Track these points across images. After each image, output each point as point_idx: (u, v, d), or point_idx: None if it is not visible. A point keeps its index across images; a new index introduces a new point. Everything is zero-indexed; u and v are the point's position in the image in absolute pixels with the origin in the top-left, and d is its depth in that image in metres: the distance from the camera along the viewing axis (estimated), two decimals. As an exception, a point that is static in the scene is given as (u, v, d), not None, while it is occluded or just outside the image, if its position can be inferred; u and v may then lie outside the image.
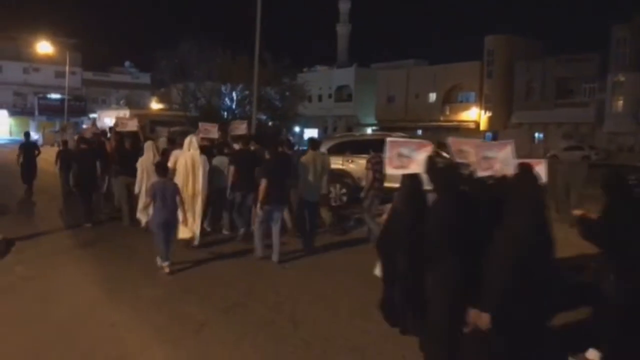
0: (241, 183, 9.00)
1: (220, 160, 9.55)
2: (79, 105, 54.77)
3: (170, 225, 7.39)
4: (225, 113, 25.71)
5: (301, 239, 8.89)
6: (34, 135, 24.46)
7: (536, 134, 46.57)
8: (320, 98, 62.56)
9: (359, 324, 5.66)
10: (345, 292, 6.64)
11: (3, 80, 60.36)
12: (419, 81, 53.60)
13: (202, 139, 10.21)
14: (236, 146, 10.06)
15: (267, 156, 8.58)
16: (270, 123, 25.60)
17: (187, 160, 8.67)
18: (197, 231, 8.71)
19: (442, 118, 51.98)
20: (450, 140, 5.74)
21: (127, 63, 71.34)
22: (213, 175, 9.15)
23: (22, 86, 61.31)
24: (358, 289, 6.67)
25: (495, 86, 47.47)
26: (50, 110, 52.48)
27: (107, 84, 66.75)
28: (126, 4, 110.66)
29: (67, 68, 44.85)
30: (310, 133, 54.09)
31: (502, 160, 4.96)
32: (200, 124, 11.52)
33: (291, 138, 20.81)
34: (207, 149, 9.70)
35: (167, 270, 7.30)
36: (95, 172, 10.80)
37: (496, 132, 48.54)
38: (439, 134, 50.82)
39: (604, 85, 40.97)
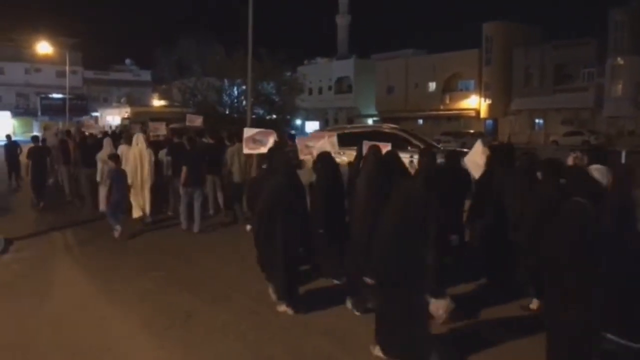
0: (174, 172, 10.63)
1: (164, 154, 11.30)
2: (81, 104, 55.03)
3: (121, 203, 9.41)
4: (226, 109, 25.91)
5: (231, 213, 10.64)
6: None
7: (536, 120, 46.58)
8: (320, 90, 62.64)
9: (335, 309, 5.90)
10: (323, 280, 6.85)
11: (5, 82, 60.70)
12: (418, 71, 53.62)
13: (153, 135, 12.49)
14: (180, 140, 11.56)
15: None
16: (268, 117, 25.78)
17: (136, 154, 10.32)
18: (147, 210, 10.43)
19: (442, 107, 52.02)
20: (297, 139, 7.67)
21: (127, 61, 71.48)
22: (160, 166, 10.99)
23: (24, 87, 61.67)
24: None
25: (494, 73, 47.44)
26: (52, 110, 52.72)
27: (108, 82, 66.98)
28: (125, 2, 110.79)
29: (67, 67, 45.05)
30: (312, 125, 54.25)
31: (319, 148, 7.20)
32: (150, 124, 13.69)
33: (293, 132, 20.98)
34: (157, 144, 11.74)
35: (117, 234, 9.22)
36: (45, 166, 13.03)
37: (496, 119, 48.57)
38: (440, 123, 50.96)
39: (602, 70, 40.87)
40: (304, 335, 5.28)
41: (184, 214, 9.94)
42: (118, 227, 9.28)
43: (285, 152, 6.93)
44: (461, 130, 44.62)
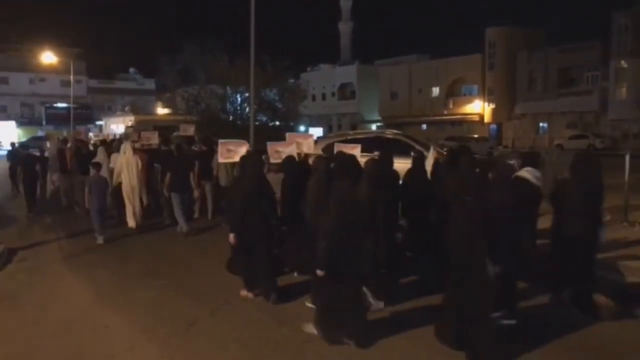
0: (162, 179, 11.00)
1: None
2: (86, 113, 55.28)
3: (102, 208, 9.81)
4: (230, 116, 25.94)
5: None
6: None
7: (540, 124, 46.47)
8: (324, 97, 62.71)
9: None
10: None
11: (10, 92, 61.22)
12: (422, 76, 53.67)
13: (145, 144, 12.79)
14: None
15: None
16: (271, 124, 25.78)
17: (122, 162, 10.89)
18: (138, 216, 10.85)
19: (445, 112, 52.01)
20: (268, 145, 8.34)
21: (131, 70, 71.86)
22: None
23: (29, 96, 62.16)
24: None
25: (498, 78, 47.43)
26: (57, 119, 52.92)
27: (113, 91, 67.42)
28: (128, 12, 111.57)
29: (72, 77, 45.33)
30: (315, 132, 54.26)
31: (288, 152, 7.88)
32: (142, 133, 13.92)
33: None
34: (151, 152, 12.19)
35: (101, 241, 9.62)
36: (36, 173, 13.72)
37: (500, 123, 48.51)
38: (444, 128, 50.91)
39: (606, 73, 40.79)
40: (307, 344, 5.27)
41: (180, 217, 10.38)
42: (101, 237, 9.72)
43: (255, 160, 7.30)
44: (465, 135, 44.57)
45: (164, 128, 25.43)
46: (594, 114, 42.52)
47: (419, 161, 7.75)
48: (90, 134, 32.36)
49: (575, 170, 6.03)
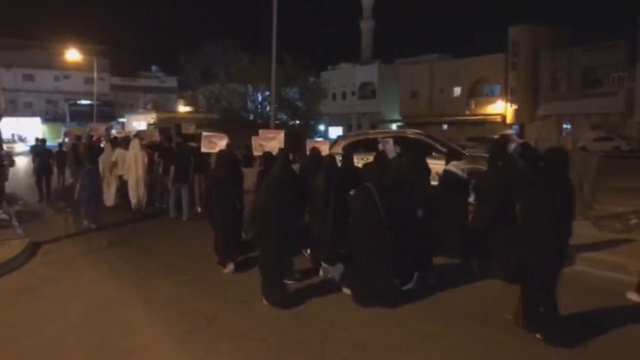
0: (164, 171, 12.37)
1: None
2: (108, 110, 55.91)
3: (95, 198, 10.94)
4: (250, 115, 26.08)
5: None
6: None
7: (564, 126, 45.77)
8: (344, 96, 62.61)
9: (361, 317, 5.87)
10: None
11: (36, 89, 62.33)
12: (443, 75, 53.20)
13: (148, 140, 14.41)
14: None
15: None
16: (291, 122, 25.88)
17: (131, 156, 12.39)
18: (143, 204, 12.41)
19: (467, 112, 51.48)
20: (253, 139, 9.04)
21: (154, 68, 72.60)
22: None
23: (53, 93, 63.23)
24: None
25: (521, 78, 46.82)
26: (81, 116, 53.57)
27: (135, 89, 68.22)
28: (151, 10, 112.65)
29: (95, 74, 45.93)
30: (335, 131, 54.21)
31: (272, 146, 8.56)
32: (145, 130, 15.81)
33: (317, 137, 21.06)
34: (154, 147, 13.65)
35: (93, 227, 10.68)
36: (48, 166, 14.97)
37: (522, 124, 47.90)
38: (465, 129, 50.42)
39: (633, 74, 39.99)
40: (327, 342, 5.25)
41: (172, 206, 11.92)
42: (93, 225, 10.82)
43: (227, 153, 8.58)
44: (486, 135, 44.06)
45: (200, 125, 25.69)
46: (619, 116, 41.73)
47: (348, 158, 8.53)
48: (113, 131, 32.82)
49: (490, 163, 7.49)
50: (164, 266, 8.12)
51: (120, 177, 13.08)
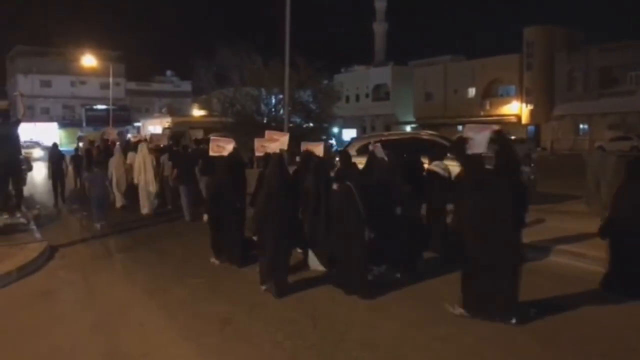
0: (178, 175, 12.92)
1: (165, 158, 13.77)
2: (124, 115, 56.52)
3: (101, 199, 11.39)
4: (264, 118, 26.13)
5: None
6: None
7: (580, 126, 45.25)
8: (357, 98, 62.53)
9: (375, 319, 5.85)
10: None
11: (53, 94, 63.25)
12: (457, 77, 52.92)
13: (155, 144, 14.96)
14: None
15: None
16: (305, 125, 25.86)
17: (140, 160, 13.09)
18: (153, 206, 13.24)
19: (482, 113, 51.07)
20: (255, 140, 9.20)
21: (168, 72, 73.20)
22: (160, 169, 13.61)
23: (70, 99, 64.10)
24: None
25: (536, 78, 46.40)
26: (97, 121, 54.19)
27: (150, 93, 68.96)
28: (166, 16, 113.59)
29: (111, 79, 46.44)
30: (349, 133, 54.19)
31: (274, 148, 8.70)
32: (151, 134, 16.60)
33: (332, 141, 21.10)
34: (162, 151, 14.37)
35: (99, 227, 11.14)
36: (61, 170, 15.26)
37: (538, 125, 47.46)
38: (480, 130, 50.06)
39: (651, 73, 39.41)
40: (342, 344, 5.23)
41: (185, 207, 12.38)
42: (99, 224, 11.29)
43: (231, 155, 9.03)
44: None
45: (207, 129, 25.83)
46: (637, 115, 41.12)
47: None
48: (129, 135, 33.11)
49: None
50: (178, 269, 8.16)
51: (131, 181, 13.59)
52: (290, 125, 20.50)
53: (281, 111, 24.69)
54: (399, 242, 7.35)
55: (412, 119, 57.39)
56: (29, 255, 8.48)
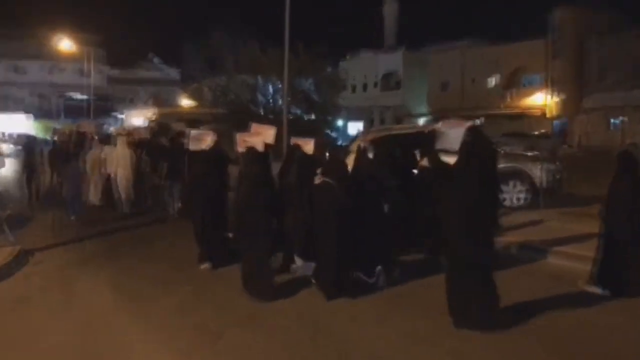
0: (153, 169, 13.86)
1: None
2: (105, 105, 56.78)
3: (75, 194, 12.52)
4: (260, 109, 26.24)
5: None
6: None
7: (612, 120, 45.23)
8: (365, 87, 62.59)
9: (380, 331, 5.96)
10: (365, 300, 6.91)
11: (27, 82, 63.25)
12: (476, 64, 52.90)
13: (137, 138, 15.52)
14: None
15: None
16: (306, 117, 25.99)
17: (117, 155, 13.62)
18: (129, 203, 13.71)
19: (503, 105, 51.11)
20: (237, 134, 9.26)
21: (155, 58, 73.36)
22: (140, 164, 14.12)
23: (45, 87, 64.15)
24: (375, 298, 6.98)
25: (564, 67, 46.37)
26: (75, 112, 54.49)
27: (134, 82, 68.96)
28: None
29: (92, 65, 46.59)
30: (355, 126, 54.20)
31: (256, 142, 8.75)
32: (132, 127, 16.85)
33: (334, 134, 21.18)
34: (139, 144, 14.82)
35: (73, 218, 12.22)
36: (34, 165, 15.70)
37: (566, 118, 47.44)
38: (501, 123, 49.95)
39: (691, 61, 39.35)
40: (342, 356, 5.32)
41: (169, 203, 13.09)
42: (74, 217, 12.32)
43: (212, 149, 9.37)
44: (525, 131, 43.74)
45: (188, 122, 25.96)
46: (676, 108, 41.11)
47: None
48: (111, 128, 33.25)
49: None
50: (164, 275, 8.26)
51: (108, 176, 14.02)
52: (290, 117, 20.61)
53: (280, 101, 24.82)
54: (382, 245, 7.65)
55: (425, 110, 57.43)
56: (1, 260, 8.57)
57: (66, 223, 12.16)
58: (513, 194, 12.56)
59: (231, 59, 28.17)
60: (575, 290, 7.11)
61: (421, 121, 52.72)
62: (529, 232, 10.08)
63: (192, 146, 9.97)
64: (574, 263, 8.24)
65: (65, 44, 43.49)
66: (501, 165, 12.60)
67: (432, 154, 6.53)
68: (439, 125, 6.65)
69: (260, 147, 8.93)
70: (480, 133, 6.35)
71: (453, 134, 6.30)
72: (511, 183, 12.56)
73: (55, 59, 59.80)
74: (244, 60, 26.96)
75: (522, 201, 12.51)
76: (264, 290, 7.01)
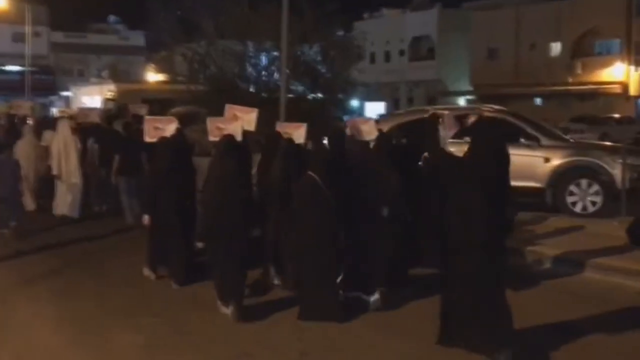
0: (102, 162, 14.36)
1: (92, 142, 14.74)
2: (46, 80, 56.61)
3: (10, 195, 12.11)
4: (250, 85, 26.19)
5: None
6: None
7: None
8: (388, 56, 62.63)
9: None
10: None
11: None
12: (535, 26, 52.67)
13: (83, 122, 15.98)
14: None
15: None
16: (311, 96, 25.93)
17: (59, 144, 13.66)
18: (76, 208, 13.89)
19: (570, 79, 50.97)
20: (208, 120, 9.87)
21: (111, 18, 73.55)
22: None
23: (-32, 56, 64.15)
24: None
25: (651, 29, 46.30)
26: (7, 88, 54.10)
27: (85, 48, 68.96)
28: None
29: (28, 28, 46.59)
30: (375, 108, 54.12)
31: (232, 129, 9.21)
32: (79, 109, 18.16)
33: (347, 118, 21.18)
34: (86, 131, 15.17)
35: (7, 232, 11.97)
36: None
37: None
38: (568, 104, 49.90)
39: None
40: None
41: (127, 207, 13.36)
42: (10, 225, 12.09)
43: (174, 139, 9.82)
44: (600, 114, 43.55)
45: (157, 102, 26.00)
46: None
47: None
48: (54, 110, 33.35)
49: None
50: (125, 302, 8.29)
51: (48, 171, 14.16)
52: (290, 95, 20.59)
53: (275, 75, 24.78)
54: (381, 257, 7.98)
55: (467, 87, 57.32)
56: None
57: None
58: (586, 196, 12.54)
59: (211, 19, 28.13)
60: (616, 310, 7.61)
61: (462, 101, 52.65)
62: (568, 241, 10.58)
63: (150, 137, 10.21)
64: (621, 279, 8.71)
65: (-7, -1, 43.43)
66: (570, 159, 12.62)
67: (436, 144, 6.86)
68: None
69: (237, 136, 9.21)
70: (485, 126, 6.94)
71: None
72: (583, 183, 12.55)
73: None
74: (228, 21, 26.90)
75: (597, 206, 12.47)
76: (239, 309, 7.40)
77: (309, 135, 9.84)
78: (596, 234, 10.91)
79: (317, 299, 7.43)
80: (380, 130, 9.25)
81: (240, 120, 10.00)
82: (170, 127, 10.02)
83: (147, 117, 11.92)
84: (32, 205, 14.18)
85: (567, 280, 9.09)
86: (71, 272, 9.91)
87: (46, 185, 14.34)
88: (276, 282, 8.76)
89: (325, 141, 9.01)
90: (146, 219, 9.29)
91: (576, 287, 8.79)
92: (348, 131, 9.29)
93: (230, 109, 10.43)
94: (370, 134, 9.26)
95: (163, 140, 9.73)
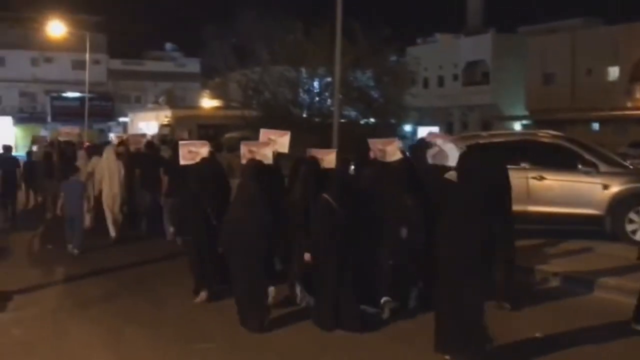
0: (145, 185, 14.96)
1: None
2: (105, 106, 57.77)
3: (75, 215, 12.70)
4: (304, 111, 26.34)
5: None
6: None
7: None
8: (441, 81, 62.33)
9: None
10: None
11: (7, 77, 64.32)
12: (591, 50, 52.03)
13: (134, 148, 16.27)
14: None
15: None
16: (363, 121, 25.95)
17: (104, 168, 14.39)
18: (115, 228, 14.31)
19: (629, 104, 50.13)
20: (242, 144, 10.07)
21: (168, 46, 74.71)
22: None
23: (29, 83, 65.32)
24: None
25: None
26: (67, 114, 54.84)
27: (142, 75, 70.00)
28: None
29: (87, 55, 47.54)
30: (428, 132, 53.83)
31: (263, 154, 9.59)
32: (130, 136, 18.11)
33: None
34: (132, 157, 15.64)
35: (75, 252, 12.55)
36: (15, 182, 16.72)
37: None
38: (626, 129, 48.99)
39: None
40: None
41: (167, 225, 13.86)
42: (70, 247, 12.69)
43: (205, 162, 10.12)
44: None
45: (211, 127, 26.34)
46: None
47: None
48: (112, 136, 34.00)
49: None
50: (181, 327, 8.26)
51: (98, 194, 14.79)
52: (343, 120, 20.62)
53: (328, 101, 24.88)
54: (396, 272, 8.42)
55: (523, 112, 56.74)
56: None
57: (51, 254, 12.58)
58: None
59: (265, 46, 28.43)
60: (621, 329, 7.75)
61: (517, 125, 52.08)
62: (576, 260, 10.98)
63: (184, 160, 10.47)
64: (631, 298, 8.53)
65: (55, 28, 44.27)
66: (629, 185, 12.37)
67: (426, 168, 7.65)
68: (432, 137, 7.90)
69: (268, 159, 9.64)
70: (479, 149, 7.67)
71: (447, 149, 7.60)
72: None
73: (43, 48, 60.94)
74: (282, 48, 27.14)
75: (657, 234, 12.16)
76: (253, 320, 7.89)
77: (346, 162, 10.23)
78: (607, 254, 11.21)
79: (333, 310, 7.85)
80: (403, 152, 9.41)
81: (273, 144, 10.23)
82: (203, 151, 10.30)
83: (181, 141, 12.27)
84: (89, 223, 14.49)
85: (575, 299, 9.33)
86: (124, 295, 9.94)
87: (97, 208, 14.73)
88: (298, 301, 8.87)
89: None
90: (179, 240, 9.80)
91: (583, 305, 9.03)
92: (371, 154, 9.48)
93: (264, 133, 10.68)
94: (393, 155, 9.34)
95: (195, 163, 10.08)
